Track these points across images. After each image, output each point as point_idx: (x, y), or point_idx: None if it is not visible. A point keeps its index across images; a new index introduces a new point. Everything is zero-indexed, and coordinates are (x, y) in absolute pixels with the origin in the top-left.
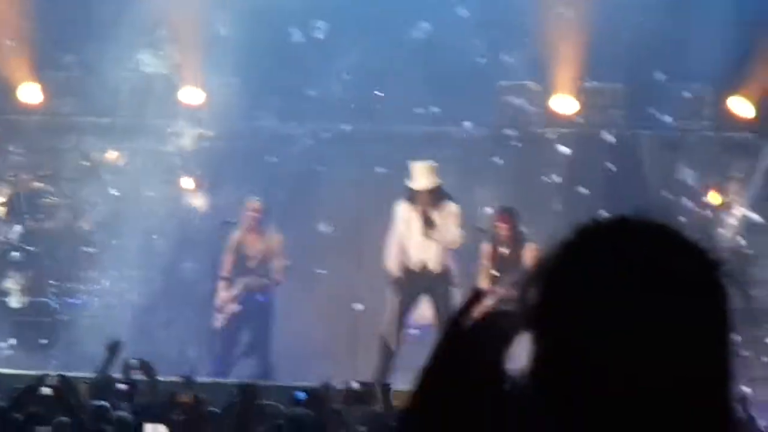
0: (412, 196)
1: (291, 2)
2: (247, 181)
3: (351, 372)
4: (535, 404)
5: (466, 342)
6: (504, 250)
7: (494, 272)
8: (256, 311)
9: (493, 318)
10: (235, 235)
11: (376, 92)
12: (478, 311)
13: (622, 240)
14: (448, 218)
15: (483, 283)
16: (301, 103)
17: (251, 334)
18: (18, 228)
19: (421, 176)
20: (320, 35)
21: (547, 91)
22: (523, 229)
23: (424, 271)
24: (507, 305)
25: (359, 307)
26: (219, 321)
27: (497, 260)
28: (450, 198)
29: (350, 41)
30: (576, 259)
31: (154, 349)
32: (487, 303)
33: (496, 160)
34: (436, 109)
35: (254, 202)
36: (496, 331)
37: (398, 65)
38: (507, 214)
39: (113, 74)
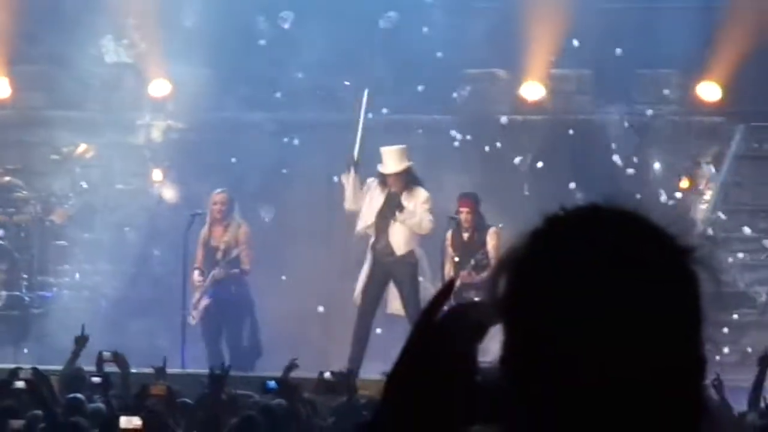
0: (382, 181)
1: None
2: (215, 172)
3: (324, 361)
4: (506, 394)
5: (438, 334)
6: (465, 235)
7: (456, 257)
8: (227, 303)
9: (464, 309)
10: (203, 228)
11: (345, 82)
12: (448, 303)
13: (592, 228)
14: (418, 203)
15: (447, 269)
16: (268, 93)
17: (226, 325)
18: None
19: (391, 160)
20: (286, 25)
21: (515, 79)
22: (483, 213)
23: (392, 255)
24: (472, 293)
25: (321, 309)
26: (193, 315)
27: (459, 245)
28: (420, 183)
29: (316, 30)
30: (546, 248)
31: (125, 341)
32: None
33: (463, 146)
34: (401, 97)
35: (219, 194)
36: (467, 322)
37: (365, 54)
38: (467, 198)
39: (81, 67)
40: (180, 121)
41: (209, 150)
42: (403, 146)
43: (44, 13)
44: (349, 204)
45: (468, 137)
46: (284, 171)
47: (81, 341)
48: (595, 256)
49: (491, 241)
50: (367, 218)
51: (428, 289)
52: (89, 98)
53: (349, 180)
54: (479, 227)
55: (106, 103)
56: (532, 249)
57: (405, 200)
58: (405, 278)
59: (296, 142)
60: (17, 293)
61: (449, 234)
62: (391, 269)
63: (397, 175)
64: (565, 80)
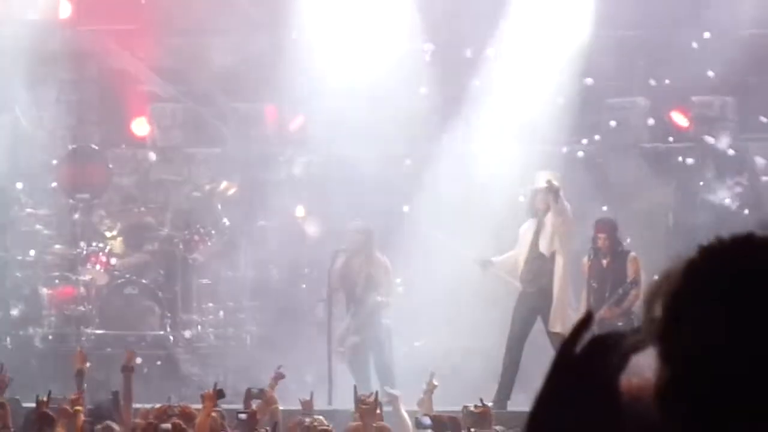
0: (532, 198)
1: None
2: (356, 205)
3: (470, 393)
4: (658, 425)
5: (579, 364)
6: (604, 261)
7: (594, 284)
8: (374, 337)
9: (606, 339)
10: (340, 262)
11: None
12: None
13: (748, 257)
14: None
15: (585, 296)
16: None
17: (376, 360)
18: (132, 261)
19: (542, 179)
20: (427, 57)
21: (656, 106)
22: (622, 240)
23: (535, 285)
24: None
25: (464, 341)
26: (341, 354)
27: (597, 272)
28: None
29: (452, 62)
30: (706, 276)
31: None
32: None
33: (608, 174)
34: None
35: (356, 225)
36: (610, 351)
37: None
38: (604, 224)
39: (220, 104)
40: (321, 156)
41: (351, 184)
42: (555, 172)
43: (181, 49)
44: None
45: (610, 164)
46: (422, 202)
47: (218, 396)
48: (752, 287)
49: (631, 267)
50: (522, 255)
51: (572, 316)
52: (228, 134)
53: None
54: (617, 254)
55: (246, 139)
56: (692, 277)
57: (547, 219)
58: (547, 308)
59: (431, 173)
60: (161, 332)
61: (586, 260)
62: (535, 299)
63: (545, 191)
64: (707, 107)
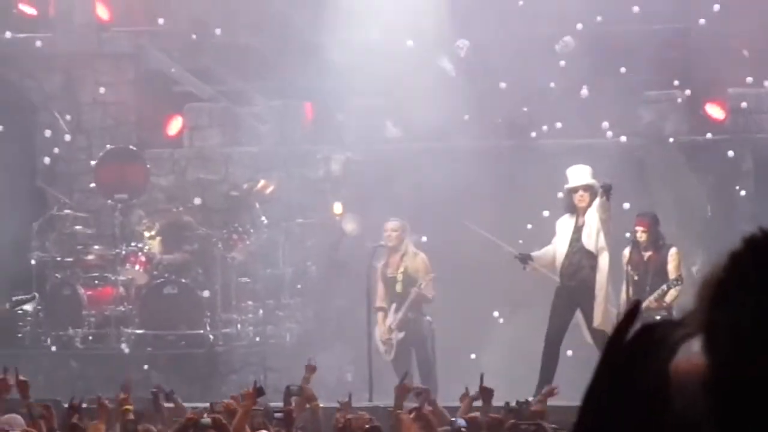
0: (568, 196)
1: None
2: (394, 201)
3: (510, 389)
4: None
5: (629, 355)
6: (645, 254)
7: (635, 276)
8: (417, 334)
9: (655, 328)
10: (380, 261)
11: (523, 108)
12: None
13: None
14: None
15: (627, 289)
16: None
17: (418, 355)
18: (171, 259)
19: (578, 174)
20: (462, 53)
21: (694, 99)
22: (662, 232)
23: (575, 279)
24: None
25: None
26: (386, 352)
27: (639, 264)
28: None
29: (493, 57)
30: (743, 267)
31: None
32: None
33: (642, 167)
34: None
35: (392, 222)
36: (659, 341)
37: (544, 80)
38: (644, 218)
39: (256, 103)
40: (358, 153)
41: (389, 180)
42: (588, 166)
43: (216, 49)
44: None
45: (648, 157)
46: (460, 198)
47: (258, 394)
48: None
49: (672, 262)
50: (561, 250)
51: (611, 311)
52: (265, 133)
53: (536, 268)
54: (659, 247)
55: (284, 137)
56: (734, 267)
57: (589, 215)
58: (588, 300)
59: (471, 169)
60: (201, 331)
61: (627, 252)
62: (574, 293)
63: (584, 189)
64: (743, 99)
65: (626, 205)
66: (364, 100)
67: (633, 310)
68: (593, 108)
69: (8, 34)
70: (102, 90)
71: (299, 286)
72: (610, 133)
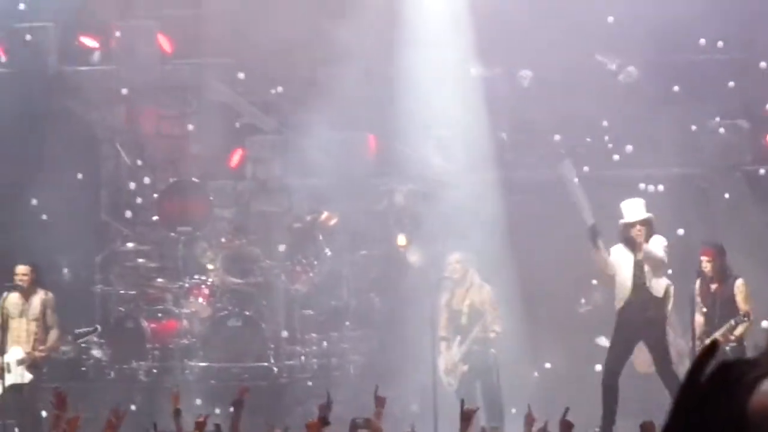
0: (625, 231)
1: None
2: (457, 234)
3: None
4: None
5: (707, 394)
6: (713, 286)
7: (704, 308)
8: (480, 365)
9: (732, 367)
10: (445, 292)
11: (587, 138)
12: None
13: None
14: (661, 249)
15: (697, 320)
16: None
17: (482, 387)
18: (236, 284)
19: (633, 210)
20: (525, 83)
21: (758, 128)
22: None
23: (643, 314)
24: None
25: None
26: (450, 384)
27: (707, 296)
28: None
29: (555, 87)
30: None
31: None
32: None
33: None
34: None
35: (456, 255)
36: (737, 379)
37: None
38: (709, 247)
39: (317, 134)
40: (421, 184)
41: (453, 212)
42: (642, 199)
43: (279, 81)
44: (609, 270)
45: (712, 187)
46: (523, 229)
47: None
48: None
49: (739, 294)
50: (625, 284)
51: (679, 343)
52: (328, 165)
53: (600, 251)
54: (725, 278)
55: (347, 168)
56: None
57: (648, 251)
58: (655, 336)
59: (534, 199)
60: (265, 363)
61: (697, 284)
62: (640, 330)
63: (641, 224)
64: None
65: (680, 231)
66: (428, 131)
67: (710, 348)
68: (656, 137)
69: (70, 67)
70: (164, 122)
71: (363, 318)
72: (673, 162)
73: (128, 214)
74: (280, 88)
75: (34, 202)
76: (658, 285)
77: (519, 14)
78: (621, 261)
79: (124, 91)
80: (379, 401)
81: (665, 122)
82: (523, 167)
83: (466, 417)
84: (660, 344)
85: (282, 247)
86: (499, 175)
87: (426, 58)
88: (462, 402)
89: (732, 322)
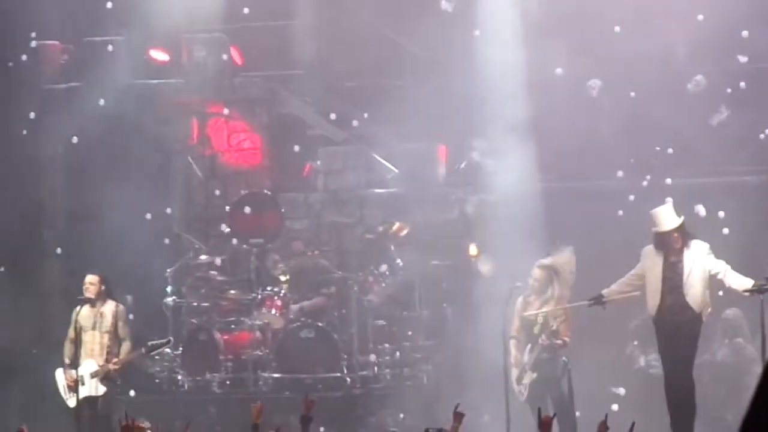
0: (658, 241)
1: None
2: (529, 244)
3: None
4: None
5: None
6: None
7: None
8: (550, 374)
9: None
10: (520, 298)
11: (656, 147)
12: None
13: None
14: (704, 254)
15: None
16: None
17: (552, 396)
18: (310, 305)
19: (665, 218)
20: (594, 92)
21: None
22: None
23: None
24: None
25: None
26: (520, 393)
27: None
28: (694, 237)
29: (622, 96)
30: None
31: (450, 417)
32: None
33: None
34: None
35: (537, 270)
36: None
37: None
38: None
39: (390, 145)
40: (492, 194)
41: (524, 221)
42: (671, 201)
43: (350, 93)
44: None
45: None
46: (594, 237)
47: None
48: None
49: None
50: (655, 289)
51: (746, 348)
52: (400, 175)
53: (614, 300)
54: None
55: (418, 179)
56: None
57: (687, 256)
58: (687, 335)
59: (605, 208)
60: (338, 374)
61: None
62: (678, 327)
63: (676, 232)
64: None
65: (725, 231)
66: (497, 141)
67: None
68: (726, 145)
69: (140, 81)
70: (235, 135)
71: (435, 328)
72: (743, 171)
73: (200, 226)
74: (350, 99)
75: (107, 216)
76: (695, 291)
77: (588, 23)
78: (652, 267)
79: (195, 104)
80: (457, 417)
81: (735, 130)
82: (596, 176)
83: (545, 425)
84: (688, 346)
85: (354, 258)
86: (573, 183)
87: (496, 69)
88: (539, 410)
89: None
